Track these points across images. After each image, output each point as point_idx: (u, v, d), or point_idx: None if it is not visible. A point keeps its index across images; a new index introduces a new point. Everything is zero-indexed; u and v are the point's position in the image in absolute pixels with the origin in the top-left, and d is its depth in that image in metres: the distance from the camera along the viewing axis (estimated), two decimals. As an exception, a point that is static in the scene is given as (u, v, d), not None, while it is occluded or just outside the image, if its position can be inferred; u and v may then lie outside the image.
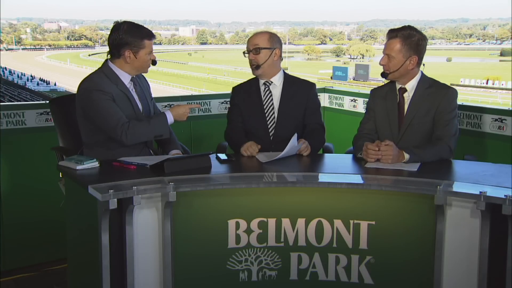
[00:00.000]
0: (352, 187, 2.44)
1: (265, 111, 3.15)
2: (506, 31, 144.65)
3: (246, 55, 3.12)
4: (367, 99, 3.12)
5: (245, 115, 3.17)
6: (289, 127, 3.08)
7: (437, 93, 2.88)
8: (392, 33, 2.87)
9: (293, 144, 2.78)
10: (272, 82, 3.16)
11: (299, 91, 3.17)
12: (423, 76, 2.94)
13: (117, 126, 2.71)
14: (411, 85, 2.92)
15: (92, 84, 2.76)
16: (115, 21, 2.83)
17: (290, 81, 3.20)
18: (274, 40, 3.11)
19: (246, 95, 3.19)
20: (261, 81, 3.18)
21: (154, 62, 2.91)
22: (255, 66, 3.11)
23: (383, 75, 2.93)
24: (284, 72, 3.22)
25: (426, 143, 2.85)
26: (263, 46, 3.08)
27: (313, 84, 3.26)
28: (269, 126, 3.14)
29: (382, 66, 2.92)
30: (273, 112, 3.15)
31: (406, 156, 2.67)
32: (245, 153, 2.86)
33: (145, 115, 2.91)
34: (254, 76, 3.20)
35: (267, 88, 3.17)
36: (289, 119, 3.12)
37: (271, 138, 3.13)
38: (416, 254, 2.39)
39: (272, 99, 3.16)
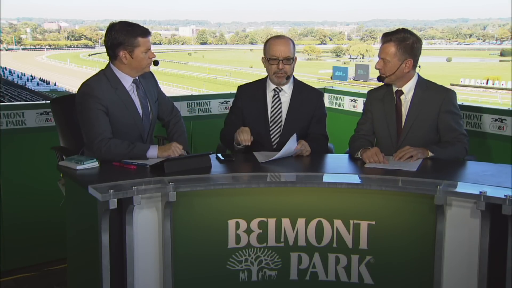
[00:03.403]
0: (352, 187, 2.44)
1: (271, 118, 3.10)
2: (506, 31, 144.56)
3: (272, 62, 3.00)
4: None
5: (248, 119, 3.11)
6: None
7: (436, 95, 2.88)
8: (387, 37, 2.86)
9: (292, 144, 2.77)
10: (282, 89, 3.11)
11: (307, 99, 3.12)
12: (420, 78, 2.94)
13: (96, 139, 2.68)
14: (408, 88, 2.92)
15: (88, 90, 2.74)
16: (111, 22, 2.80)
17: (299, 88, 3.14)
18: (295, 48, 3.09)
19: (251, 98, 3.14)
20: (271, 86, 3.12)
21: (156, 63, 2.86)
22: (285, 76, 3.04)
23: (379, 79, 2.92)
24: (294, 77, 3.16)
25: (445, 143, 2.85)
26: (292, 56, 3.03)
27: (321, 93, 3.23)
28: (274, 133, 3.10)
29: (377, 70, 2.91)
30: (281, 120, 3.10)
31: (430, 153, 2.73)
32: (240, 138, 2.87)
33: (143, 121, 2.87)
34: (260, 78, 3.17)
35: (276, 95, 3.11)
36: (296, 128, 3.02)
37: (275, 145, 3.08)
38: (416, 254, 2.39)
39: (280, 107, 3.11)
